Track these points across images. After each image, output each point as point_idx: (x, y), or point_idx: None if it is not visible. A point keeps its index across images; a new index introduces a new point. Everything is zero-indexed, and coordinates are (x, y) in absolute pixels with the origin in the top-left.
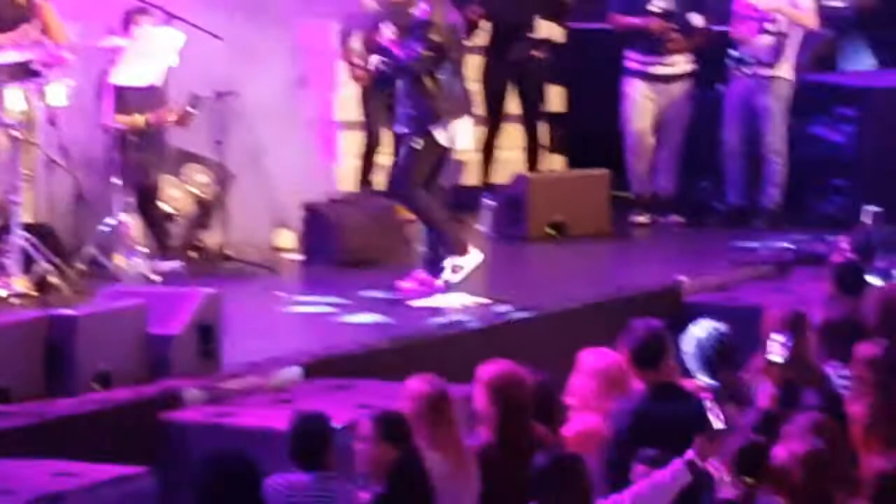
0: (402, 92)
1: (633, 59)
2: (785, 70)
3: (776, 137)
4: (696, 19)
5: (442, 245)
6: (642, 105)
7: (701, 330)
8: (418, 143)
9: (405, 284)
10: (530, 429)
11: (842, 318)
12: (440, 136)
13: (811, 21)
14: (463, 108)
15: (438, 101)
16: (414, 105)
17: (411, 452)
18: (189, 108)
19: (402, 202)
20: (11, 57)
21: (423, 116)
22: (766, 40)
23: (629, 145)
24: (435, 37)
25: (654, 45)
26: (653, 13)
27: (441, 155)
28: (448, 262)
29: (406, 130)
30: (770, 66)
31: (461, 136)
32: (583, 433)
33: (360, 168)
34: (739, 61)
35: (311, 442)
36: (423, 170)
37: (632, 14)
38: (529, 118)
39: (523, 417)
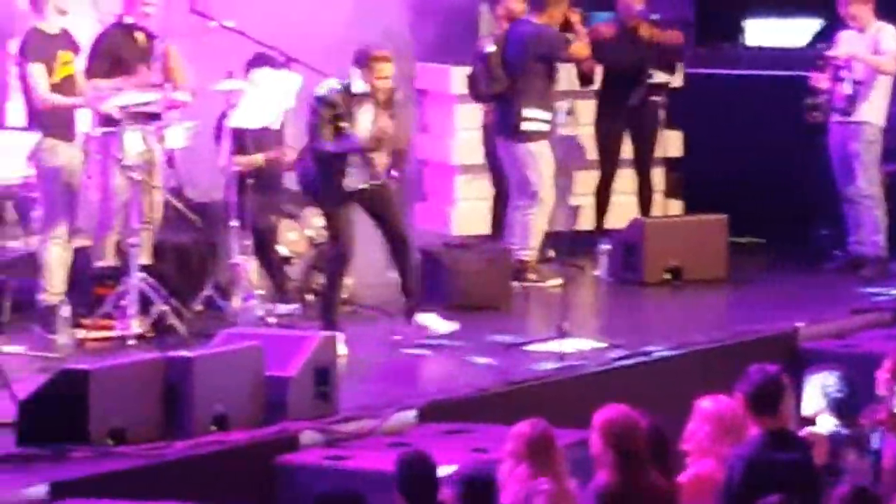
0: None
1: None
2: (871, 115)
3: (865, 182)
4: None
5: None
6: None
7: (824, 375)
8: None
9: None
10: (646, 472)
11: None
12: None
13: (890, 67)
14: None
15: None
16: None
17: None
18: None
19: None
20: (132, 99)
21: None
22: (843, 89)
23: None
24: None
25: None
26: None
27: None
28: None
29: None
30: (847, 113)
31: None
32: (698, 479)
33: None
34: (813, 108)
35: (417, 482)
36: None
37: None
38: (643, 163)
39: (638, 461)
